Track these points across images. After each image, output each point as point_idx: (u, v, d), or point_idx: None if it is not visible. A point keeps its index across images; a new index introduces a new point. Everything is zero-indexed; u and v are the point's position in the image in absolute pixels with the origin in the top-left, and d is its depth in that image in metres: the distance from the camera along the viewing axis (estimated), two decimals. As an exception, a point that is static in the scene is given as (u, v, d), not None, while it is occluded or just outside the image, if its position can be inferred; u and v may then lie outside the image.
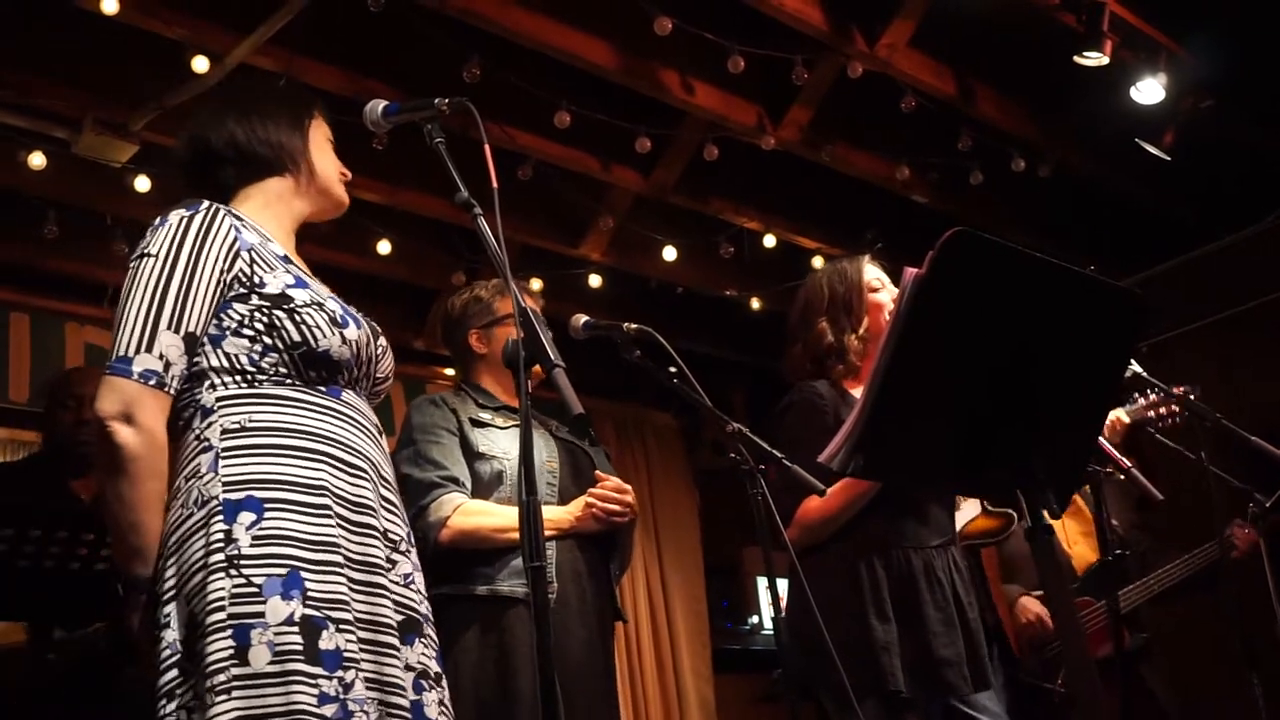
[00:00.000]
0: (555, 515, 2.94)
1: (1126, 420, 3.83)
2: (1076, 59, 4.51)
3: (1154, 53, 4.82)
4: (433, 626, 2.16)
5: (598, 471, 3.07)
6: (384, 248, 5.47)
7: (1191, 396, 3.58)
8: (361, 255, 5.48)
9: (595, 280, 5.99)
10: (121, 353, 1.99)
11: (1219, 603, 4.13)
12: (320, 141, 2.33)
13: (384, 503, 2.12)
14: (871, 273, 3.18)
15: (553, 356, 1.90)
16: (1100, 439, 2.98)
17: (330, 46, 4.36)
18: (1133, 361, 3.33)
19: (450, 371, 6.41)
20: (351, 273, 5.60)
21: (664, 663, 7.07)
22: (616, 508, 2.97)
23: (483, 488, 2.97)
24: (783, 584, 2.80)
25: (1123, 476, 3.13)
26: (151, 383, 1.98)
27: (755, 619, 7.79)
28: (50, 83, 4.28)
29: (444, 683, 2.11)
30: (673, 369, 2.77)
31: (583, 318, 2.94)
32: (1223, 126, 5.38)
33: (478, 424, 3.04)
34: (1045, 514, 1.77)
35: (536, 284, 5.71)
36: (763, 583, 7.78)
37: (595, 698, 2.89)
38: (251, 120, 2.26)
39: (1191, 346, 5.72)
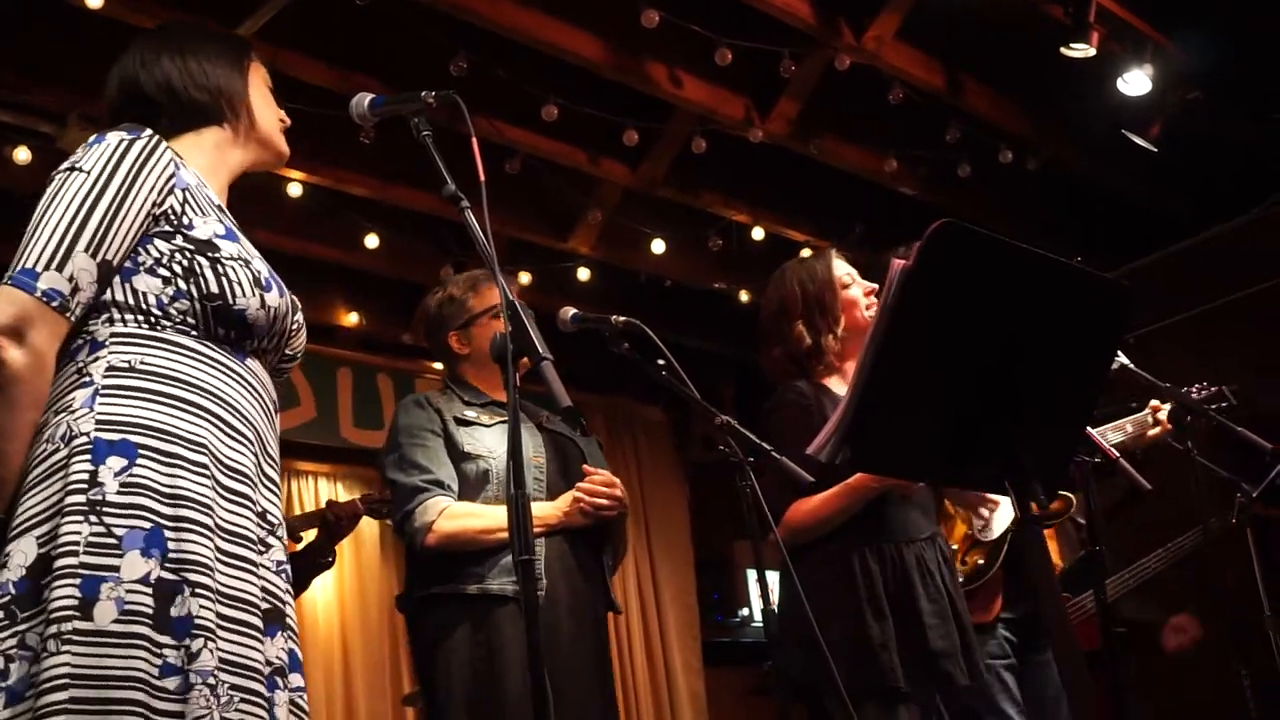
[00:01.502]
0: (543, 511, 2.91)
1: (1169, 426, 3.80)
2: (1063, 50, 4.51)
3: (1140, 45, 4.83)
4: (294, 620, 2.01)
5: (586, 465, 3.05)
6: (372, 242, 5.46)
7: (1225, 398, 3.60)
8: (349, 249, 5.46)
9: (584, 274, 5.99)
10: (28, 265, 1.82)
11: (1205, 595, 4.17)
12: (259, 86, 2.18)
13: (265, 479, 1.98)
14: (841, 268, 3.15)
15: (540, 349, 1.89)
16: (1090, 430, 2.98)
17: (317, 41, 4.35)
18: (1120, 353, 3.34)
19: (440, 366, 6.40)
20: (339, 267, 5.60)
21: (654, 656, 7.08)
22: (604, 502, 2.94)
23: (469, 488, 2.95)
24: (773, 576, 2.80)
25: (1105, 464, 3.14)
26: (54, 304, 1.81)
27: (745, 612, 7.79)
28: (35, 78, 4.27)
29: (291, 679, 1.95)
30: (661, 362, 2.77)
31: (571, 310, 2.94)
32: (1211, 119, 5.39)
33: (463, 423, 3.02)
34: (1033, 505, 1.77)
35: (525, 277, 5.70)
36: (753, 575, 7.78)
37: (588, 694, 2.87)
38: (188, 61, 2.09)
39: (1173, 339, 5.74)
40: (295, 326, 2.08)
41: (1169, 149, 5.32)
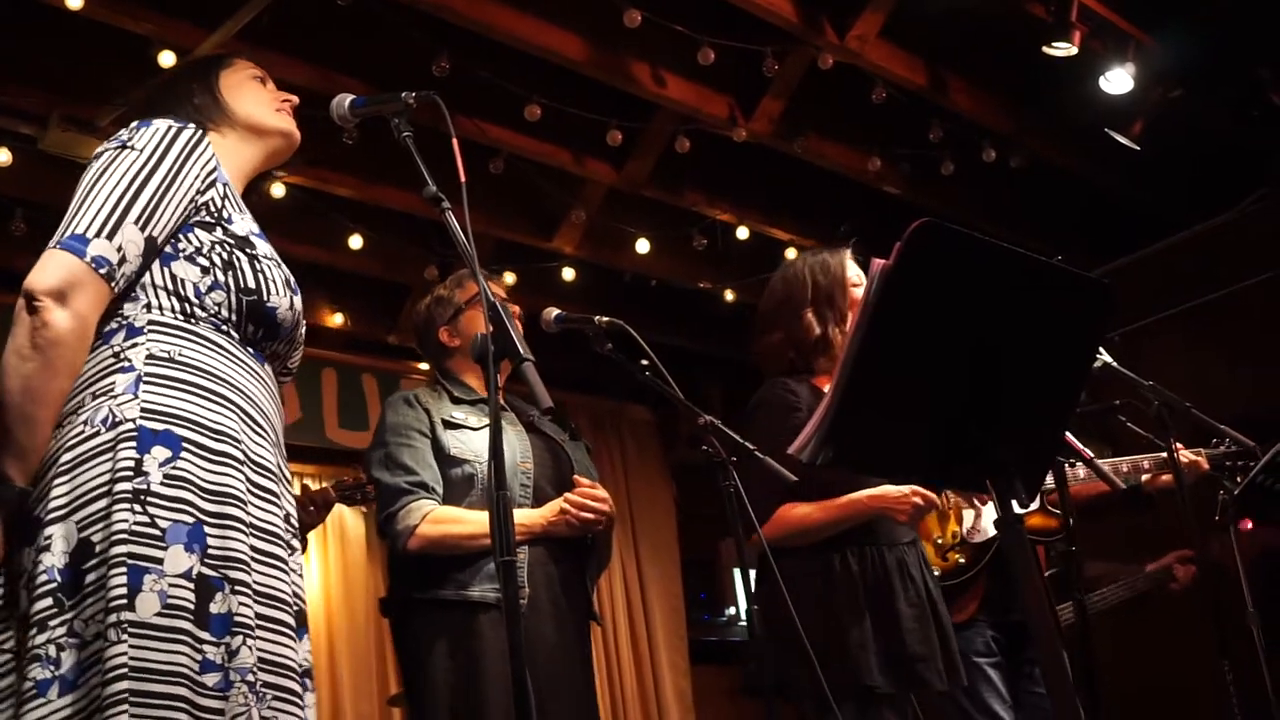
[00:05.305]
0: (527, 518, 2.88)
1: (1205, 466, 3.84)
2: (1045, 49, 4.53)
3: (1122, 43, 4.84)
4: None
5: (577, 475, 3.02)
6: (356, 242, 5.44)
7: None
8: (333, 250, 5.45)
9: (569, 274, 5.98)
10: (79, 230, 1.83)
11: (1190, 590, 4.20)
12: (238, 84, 2.20)
13: (287, 479, 2.02)
14: (853, 270, 3.15)
15: (521, 350, 1.88)
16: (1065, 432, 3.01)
17: (298, 41, 4.33)
18: (1103, 351, 3.35)
19: (425, 366, 6.39)
20: (323, 267, 5.58)
21: (641, 656, 7.08)
22: (591, 516, 2.91)
23: (454, 492, 2.93)
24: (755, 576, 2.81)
25: (1079, 466, 3.17)
26: (101, 270, 1.82)
27: (732, 611, 7.81)
28: (16, 79, 4.25)
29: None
30: (645, 362, 2.77)
31: (554, 311, 2.94)
32: (1194, 116, 5.41)
33: (450, 425, 2.99)
34: (1014, 503, 1.78)
35: (510, 277, 5.69)
36: (739, 575, 7.79)
37: (570, 703, 2.85)
38: (164, 87, 2.21)
39: (1158, 335, 5.76)
40: (300, 337, 2.12)
41: (1152, 146, 5.33)
